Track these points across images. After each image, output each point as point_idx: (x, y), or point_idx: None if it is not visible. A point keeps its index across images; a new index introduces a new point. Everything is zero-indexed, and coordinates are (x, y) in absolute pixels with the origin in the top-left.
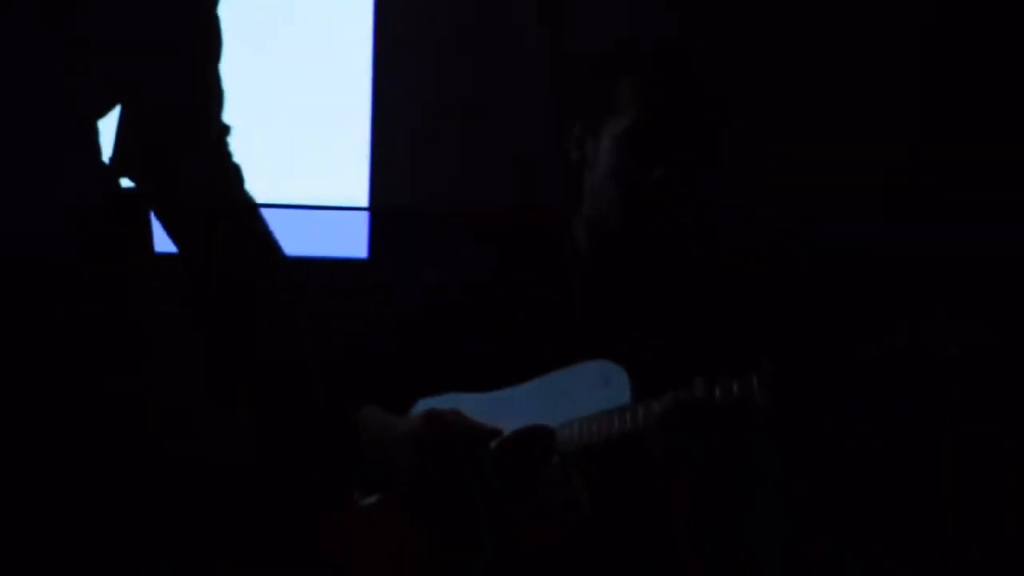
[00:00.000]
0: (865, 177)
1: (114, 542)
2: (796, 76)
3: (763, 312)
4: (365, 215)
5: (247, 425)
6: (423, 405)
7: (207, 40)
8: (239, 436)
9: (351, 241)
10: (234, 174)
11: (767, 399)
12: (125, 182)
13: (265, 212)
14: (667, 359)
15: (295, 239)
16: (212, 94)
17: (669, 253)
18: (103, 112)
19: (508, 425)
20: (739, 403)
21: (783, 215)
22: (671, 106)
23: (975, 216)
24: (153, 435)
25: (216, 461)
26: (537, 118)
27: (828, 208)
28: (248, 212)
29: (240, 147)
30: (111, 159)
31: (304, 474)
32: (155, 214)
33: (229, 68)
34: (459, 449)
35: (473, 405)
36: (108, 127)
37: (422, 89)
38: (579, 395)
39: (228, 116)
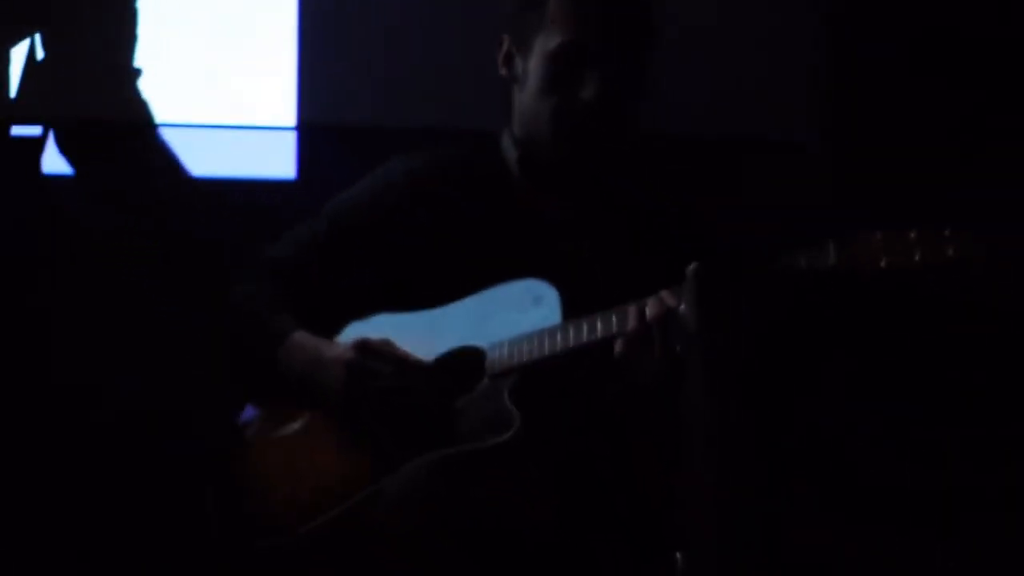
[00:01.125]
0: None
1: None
2: None
3: (694, 225)
4: (293, 134)
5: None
6: (353, 327)
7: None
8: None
9: (279, 161)
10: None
11: (693, 308)
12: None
13: (193, 133)
14: (598, 276)
15: (223, 160)
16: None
17: (599, 170)
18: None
19: (439, 345)
20: (666, 316)
21: (713, 130)
22: (602, 23)
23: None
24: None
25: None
26: (467, 34)
27: (759, 121)
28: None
29: (166, 67)
30: (16, 97)
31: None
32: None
33: None
34: (386, 377)
35: (404, 325)
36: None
37: (349, 6)
38: (510, 314)
39: (154, 35)
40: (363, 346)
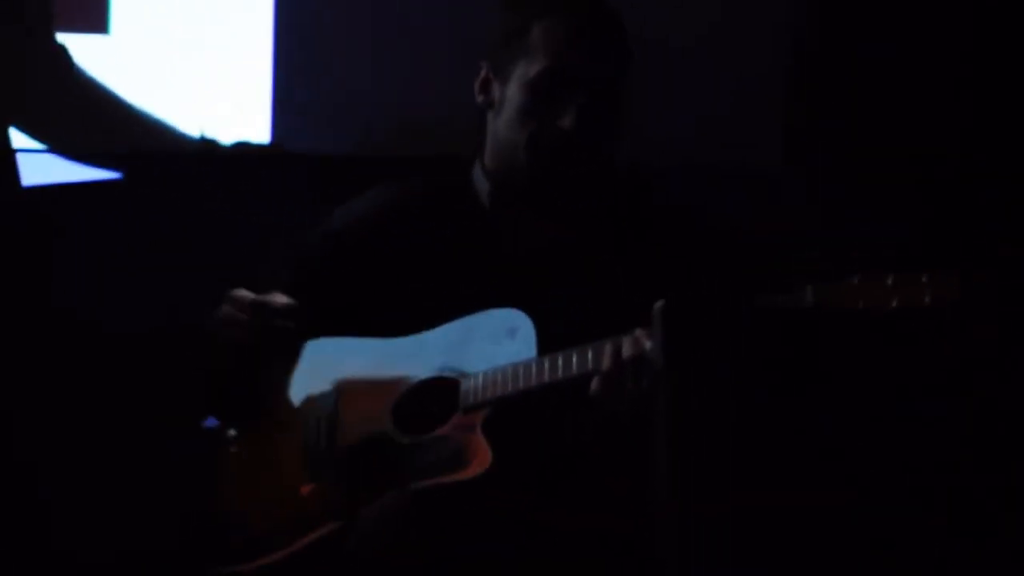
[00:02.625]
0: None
1: None
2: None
3: (670, 260)
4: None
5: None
6: (316, 344)
7: None
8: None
9: None
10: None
11: (660, 346)
12: None
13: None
14: (573, 307)
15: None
16: None
17: (573, 199)
18: None
19: (413, 373)
20: (641, 356)
21: (690, 162)
22: (583, 53)
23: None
24: None
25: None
26: (441, 64)
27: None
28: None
29: (144, 99)
30: None
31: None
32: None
33: (130, 21)
34: (252, 323)
35: (378, 353)
36: None
37: (323, 39)
38: (484, 345)
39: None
40: (228, 298)
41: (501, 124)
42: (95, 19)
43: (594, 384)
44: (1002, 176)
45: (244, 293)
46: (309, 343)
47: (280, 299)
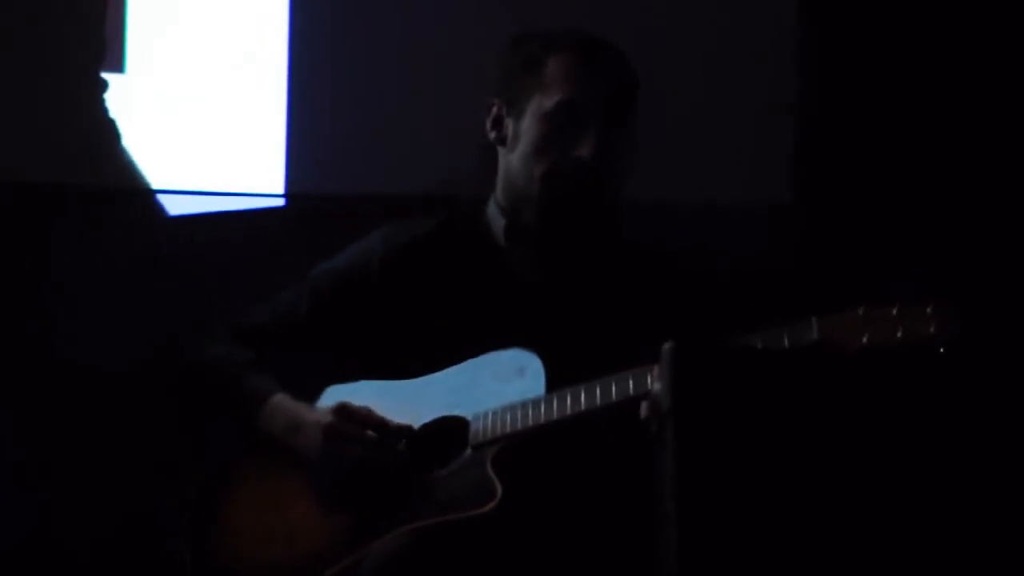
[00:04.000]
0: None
1: None
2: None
3: (680, 298)
4: (282, 202)
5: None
6: (332, 391)
7: None
8: None
9: None
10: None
11: (667, 387)
12: None
13: (183, 200)
14: (584, 344)
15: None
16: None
17: (586, 233)
18: None
19: (422, 414)
20: (647, 393)
21: (699, 197)
22: (599, 86)
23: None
24: None
25: None
26: (455, 102)
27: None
28: None
29: (157, 135)
30: None
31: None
32: None
33: (147, 58)
34: (364, 443)
35: (386, 393)
36: None
37: (337, 77)
38: (493, 384)
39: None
40: (342, 410)
41: (516, 158)
42: (110, 57)
43: (601, 420)
44: (1010, 205)
45: (362, 408)
46: (326, 391)
47: (396, 422)
